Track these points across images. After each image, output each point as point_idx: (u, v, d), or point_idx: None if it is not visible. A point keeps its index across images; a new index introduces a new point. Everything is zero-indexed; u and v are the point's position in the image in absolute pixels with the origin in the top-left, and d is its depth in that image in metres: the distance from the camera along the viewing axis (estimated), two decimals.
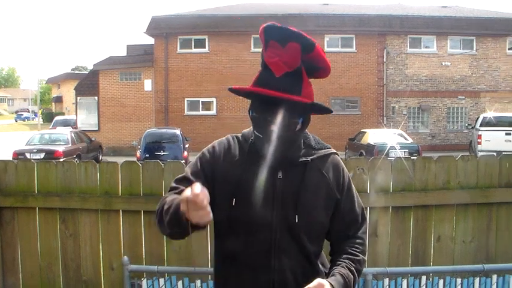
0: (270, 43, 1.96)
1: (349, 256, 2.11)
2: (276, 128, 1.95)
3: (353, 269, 2.07)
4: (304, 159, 2.07)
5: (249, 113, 2.05)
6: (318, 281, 1.85)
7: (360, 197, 2.25)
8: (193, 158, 2.24)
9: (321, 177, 2.09)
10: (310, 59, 1.98)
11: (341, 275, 1.99)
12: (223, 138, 2.19)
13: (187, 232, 1.87)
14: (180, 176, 2.16)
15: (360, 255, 2.14)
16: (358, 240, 2.17)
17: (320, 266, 2.16)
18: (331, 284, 1.90)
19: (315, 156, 2.10)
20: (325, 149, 2.18)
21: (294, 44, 1.94)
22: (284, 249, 2.01)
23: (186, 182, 2.05)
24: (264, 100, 1.94)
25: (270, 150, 1.96)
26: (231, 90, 2.03)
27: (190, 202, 1.67)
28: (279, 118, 1.93)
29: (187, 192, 1.68)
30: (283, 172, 2.02)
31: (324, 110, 2.09)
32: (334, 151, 2.21)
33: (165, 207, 1.97)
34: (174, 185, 2.15)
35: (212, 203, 1.88)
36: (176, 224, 1.87)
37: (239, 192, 2.00)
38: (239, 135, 2.18)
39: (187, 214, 1.71)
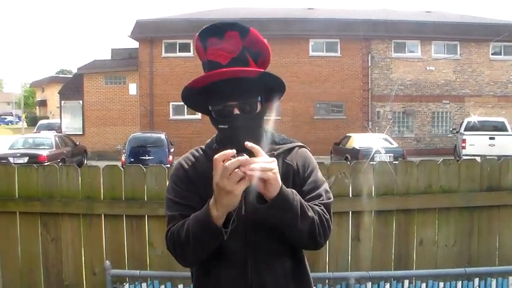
0: (209, 42, 2.00)
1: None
2: (238, 110, 1.94)
3: (306, 205, 1.93)
4: (269, 153, 1.98)
5: (211, 118, 2.05)
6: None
7: (327, 187, 2.14)
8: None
9: (287, 167, 2.05)
10: (249, 43, 2.01)
11: (292, 191, 1.90)
12: (187, 154, 2.16)
13: (221, 234, 1.83)
14: (169, 213, 2.07)
15: (318, 209, 1.99)
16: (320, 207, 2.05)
17: (301, 263, 2.11)
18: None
19: (280, 150, 2.08)
20: (288, 143, 2.15)
21: (232, 32, 1.99)
22: (260, 249, 1.98)
23: (181, 206, 2.02)
24: (218, 88, 1.95)
25: (239, 140, 1.86)
26: (184, 92, 2.04)
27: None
28: (239, 99, 1.94)
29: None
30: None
31: (277, 80, 2.03)
32: (302, 144, 2.18)
33: (186, 229, 1.91)
34: (171, 214, 2.06)
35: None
36: (209, 233, 1.84)
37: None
38: (202, 146, 2.16)
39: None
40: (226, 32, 1.99)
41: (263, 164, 1.73)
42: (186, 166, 2.10)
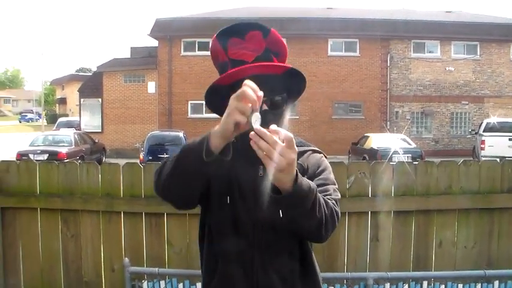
0: (230, 42, 2.01)
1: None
2: (266, 106, 1.94)
3: (320, 200, 1.87)
4: None
5: None
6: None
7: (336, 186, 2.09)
8: None
9: (300, 168, 2.00)
10: (270, 43, 2.02)
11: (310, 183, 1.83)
12: None
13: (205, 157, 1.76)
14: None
15: (331, 204, 1.94)
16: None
17: (308, 263, 2.10)
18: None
19: None
20: (305, 146, 2.14)
21: (254, 32, 2.00)
22: (268, 248, 1.97)
23: None
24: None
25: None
26: (209, 90, 2.05)
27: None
28: (266, 95, 1.89)
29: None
30: (264, 169, 1.98)
31: (300, 77, 2.06)
32: (318, 149, 2.16)
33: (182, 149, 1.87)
34: None
35: (207, 201, 1.95)
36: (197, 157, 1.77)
37: (230, 191, 1.98)
38: None
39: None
40: (248, 32, 2.01)
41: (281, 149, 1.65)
42: None
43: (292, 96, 2.09)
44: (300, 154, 2.09)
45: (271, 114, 1.94)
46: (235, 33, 2.01)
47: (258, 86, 1.83)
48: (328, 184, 2.05)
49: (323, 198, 1.89)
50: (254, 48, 2.00)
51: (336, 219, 1.93)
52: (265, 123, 1.83)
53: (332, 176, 2.11)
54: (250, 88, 1.66)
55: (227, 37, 2.02)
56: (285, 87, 2.02)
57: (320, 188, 1.98)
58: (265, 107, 1.94)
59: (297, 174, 1.72)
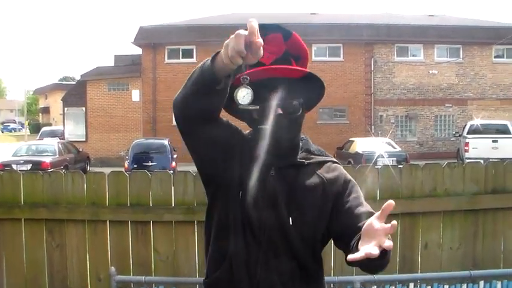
0: None
1: None
2: (281, 110, 1.94)
3: None
4: (300, 160, 2.04)
5: (247, 119, 2.07)
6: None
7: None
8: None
9: (317, 178, 2.04)
10: (291, 46, 2.04)
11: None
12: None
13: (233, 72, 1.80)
14: None
15: None
16: None
17: (313, 271, 2.10)
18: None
19: (312, 160, 2.07)
20: (325, 156, 2.14)
21: (275, 34, 2.01)
22: (272, 249, 1.97)
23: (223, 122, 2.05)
24: (263, 86, 1.93)
25: (278, 139, 1.93)
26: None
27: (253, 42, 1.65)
28: (282, 99, 1.94)
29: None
30: (276, 170, 2.00)
31: (318, 83, 2.06)
32: (335, 160, 2.16)
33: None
34: None
35: (218, 191, 2.01)
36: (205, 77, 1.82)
37: (243, 188, 1.97)
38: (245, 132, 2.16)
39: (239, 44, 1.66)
40: (269, 34, 1.99)
41: None
42: (241, 133, 2.12)
43: (309, 102, 2.10)
44: (319, 164, 2.10)
45: (285, 119, 1.96)
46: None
47: (275, 89, 1.91)
48: (363, 203, 2.04)
49: None
50: (273, 51, 1.99)
51: None
52: (279, 127, 1.90)
53: (359, 190, 2.11)
54: (250, 31, 1.67)
55: None
56: (302, 92, 2.01)
57: (359, 211, 1.99)
58: (279, 111, 1.94)
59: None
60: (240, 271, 1.98)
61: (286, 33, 2.04)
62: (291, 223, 1.97)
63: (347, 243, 1.89)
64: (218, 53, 1.76)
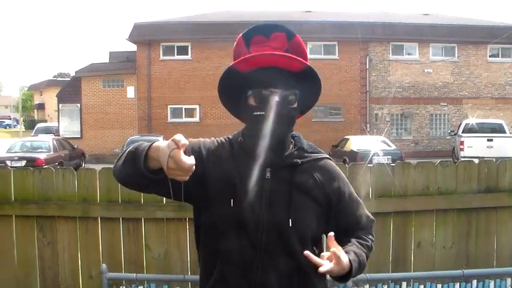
0: (253, 40, 2.06)
1: (358, 240, 2.13)
2: (279, 98, 1.97)
3: (363, 252, 2.08)
4: (294, 160, 2.06)
5: (244, 107, 2.07)
6: (335, 251, 1.85)
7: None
8: None
9: (312, 178, 2.07)
10: (292, 46, 2.08)
11: (355, 253, 2.00)
12: (213, 138, 2.17)
13: (147, 178, 1.83)
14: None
15: (369, 240, 2.17)
16: (365, 234, 2.20)
17: (312, 272, 2.11)
18: (349, 259, 1.93)
19: (306, 159, 2.09)
20: (318, 153, 2.16)
21: (278, 33, 2.08)
22: (270, 250, 1.97)
23: None
24: (263, 74, 1.99)
25: (272, 128, 1.96)
26: (226, 73, 2.05)
27: (180, 168, 1.66)
28: (281, 87, 1.99)
29: (181, 156, 1.65)
30: (272, 172, 2.01)
31: (315, 80, 2.11)
32: (328, 156, 2.20)
33: (137, 147, 1.90)
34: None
35: (206, 203, 1.97)
36: (135, 165, 1.84)
37: (235, 193, 1.97)
38: (230, 136, 2.18)
39: (167, 170, 1.67)
40: (273, 32, 2.08)
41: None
42: (212, 145, 2.13)
43: (305, 100, 2.12)
44: (314, 162, 2.13)
45: (281, 107, 1.98)
46: (261, 32, 2.08)
47: (272, 77, 1.97)
48: (358, 211, 2.22)
49: (367, 247, 2.13)
50: (276, 47, 2.04)
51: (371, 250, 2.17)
52: (277, 114, 1.95)
53: (354, 192, 2.24)
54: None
55: (251, 35, 2.08)
56: (298, 86, 2.04)
57: (353, 219, 2.19)
58: (277, 99, 1.97)
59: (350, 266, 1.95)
60: (238, 275, 1.98)
61: (290, 33, 2.09)
62: (290, 225, 1.98)
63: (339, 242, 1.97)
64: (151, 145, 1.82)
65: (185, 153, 1.84)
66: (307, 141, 2.19)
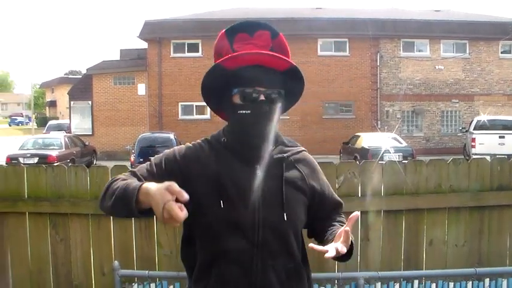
0: (237, 37, 2.06)
1: (339, 222, 2.15)
2: (264, 97, 1.97)
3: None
4: (280, 155, 2.07)
5: (228, 106, 2.06)
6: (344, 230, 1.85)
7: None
8: None
9: (297, 172, 2.10)
10: (276, 45, 2.08)
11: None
12: (188, 144, 2.16)
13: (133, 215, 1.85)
14: (135, 170, 2.11)
15: (344, 221, 2.17)
16: (339, 216, 2.22)
17: (305, 263, 2.15)
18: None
19: (289, 153, 2.11)
20: (296, 146, 2.20)
21: (262, 31, 2.07)
22: (267, 248, 1.97)
23: (149, 178, 1.98)
24: (248, 72, 1.99)
25: (257, 126, 1.97)
26: (211, 70, 2.03)
27: (176, 221, 1.63)
28: (266, 86, 1.99)
29: (175, 208, 1.62)
30: (261, 168, 2.01)
31: (299, 80, 2.11)
32: (304, 148, 2.23)
33: (121, 184, 1.90)
34: (135, 171, 2.10)
35: (198, 207, 1.92)
36: (125, 208, 1.83)
37: (226, 192, 1.97)
38: (208, 137, 2.16)
39: (162, 220, 1.66)
40: (257, 31, 2.07)
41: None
42: (188, 150, 2.10)
43: (288, 97, 2.11)
44: (296, 155, 2.16)
45: (266, 106, 1.98)
46: (243, 30, 2.07)
47: (258, 76, 1.97)
48: (333, 196, 2.26)
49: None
50: (261, 45, 2.04)
51: None
52: (261, 114, 1.96)
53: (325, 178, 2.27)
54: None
55: (235, 33, 2.07)
56: (282, 85, 2.04)
57: (331, 204, 2.23)
58: (262, 98, 1.98)
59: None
60: (238, 275, 1.97)
61: (274, 32, 2.09)
62: (285, 219, 1.99)
63: (318, 233, 2.15)
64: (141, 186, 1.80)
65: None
66: (284, 137, 2.21)
